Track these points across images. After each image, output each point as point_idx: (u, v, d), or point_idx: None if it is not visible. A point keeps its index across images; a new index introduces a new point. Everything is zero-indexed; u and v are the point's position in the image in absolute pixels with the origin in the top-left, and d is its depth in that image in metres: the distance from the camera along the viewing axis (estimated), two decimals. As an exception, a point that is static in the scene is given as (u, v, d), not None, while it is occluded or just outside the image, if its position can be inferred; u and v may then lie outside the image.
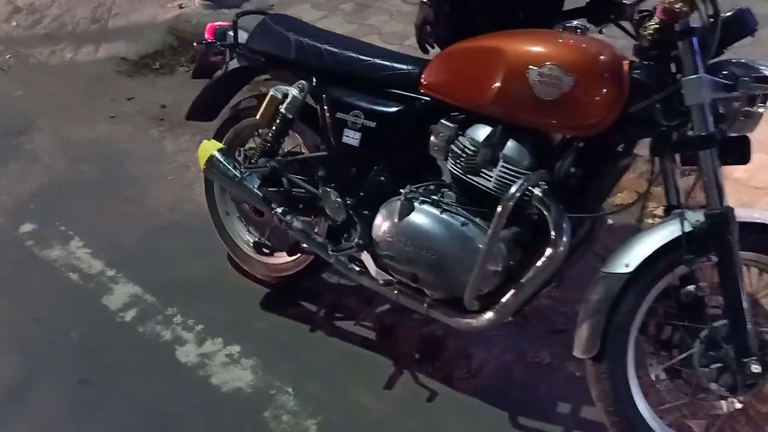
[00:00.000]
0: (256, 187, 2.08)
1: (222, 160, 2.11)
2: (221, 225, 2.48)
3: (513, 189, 1.58)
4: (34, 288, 2.43)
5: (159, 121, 3.65)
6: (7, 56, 4.52)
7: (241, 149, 2.30)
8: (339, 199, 1.97)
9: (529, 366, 2.05)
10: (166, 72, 4.18)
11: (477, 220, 1.76)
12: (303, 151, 2.19)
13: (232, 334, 2.21)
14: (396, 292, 1.89)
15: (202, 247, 2.60)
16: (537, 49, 1.57)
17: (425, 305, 1.86)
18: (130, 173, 3.16)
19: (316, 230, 2.13)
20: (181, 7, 4.61)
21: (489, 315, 1.75)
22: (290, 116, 2.05)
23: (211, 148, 2.15)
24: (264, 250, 2.38)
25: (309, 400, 1.97)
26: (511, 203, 1.58)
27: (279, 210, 2.06)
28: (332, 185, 2.01)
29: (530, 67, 1.55)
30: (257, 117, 2.11)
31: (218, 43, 2.26)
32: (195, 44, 2.31)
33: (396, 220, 1.82)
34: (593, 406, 1.70)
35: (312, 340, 2.20)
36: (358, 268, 1.95)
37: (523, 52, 1.58)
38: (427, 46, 2.14)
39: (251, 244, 2.43)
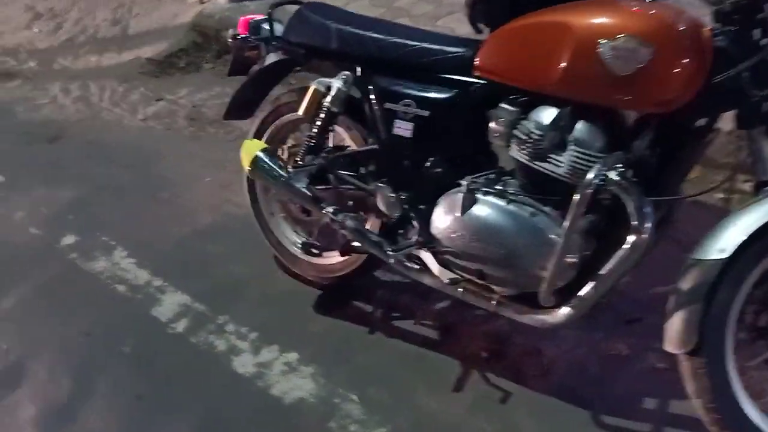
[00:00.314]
0: (304, 186, 1.99)
1: (267, 160, 2.03)
2: (266, 226, 2.40)
3: (591, 175, 1.47)
4: (82, 302, 2.38)
5: (190, 121, 3.59)
6: (32, 63, 4.49)
7: (284, 147, 2.21)
8: (393, 195, 1.87)
9: (604, 360, 1.95)
10: (192, 70, 4.11)
11: (546, 209, 1.65)
12: (348, 145, 2.10)
13: (288, 341, 2.14)
14: (461, 290, 1.79)
15: (247, 250, 2.53)
16: (608, 20, 1.45)
17: (494, 303, 1.76)
18: (165, 175, 3.10)
19: (367, 227, 2.04)
20: (202, 2, 4.53)
21: (566, 310, 1.64)
22: (335, 110, 1.95)
23: (254, 148, 2.06)
24: (313, 250, 2.29)
25: (375, 408, 1.88)
26: (590, 190, 1.47)
27: (330, 209, 1.97)
28: (384, 180, 1.91)
29: (601, 40, 1.43)
30: (300, 112, 2.02)
31: (253, 37, 2.16)
32: (230, 40, 2.21)
33: (458, 214, 1.72)
34: (681, 399, 1.60)
35: (371, 343, 2.12)
36: (417, 267, 1.86)
37: (593, 25, 1.46)
38: (480, 26, 2.02)
39: (299, 245, 2.34)
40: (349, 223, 1.95)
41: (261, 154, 2.03)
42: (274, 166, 2.02)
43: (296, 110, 2.13)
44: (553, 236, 1.60)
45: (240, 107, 2.33)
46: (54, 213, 2.89)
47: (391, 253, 1.86)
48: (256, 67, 2.21)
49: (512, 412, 1.83)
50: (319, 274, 2.30)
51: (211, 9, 4.38)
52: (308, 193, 1.99)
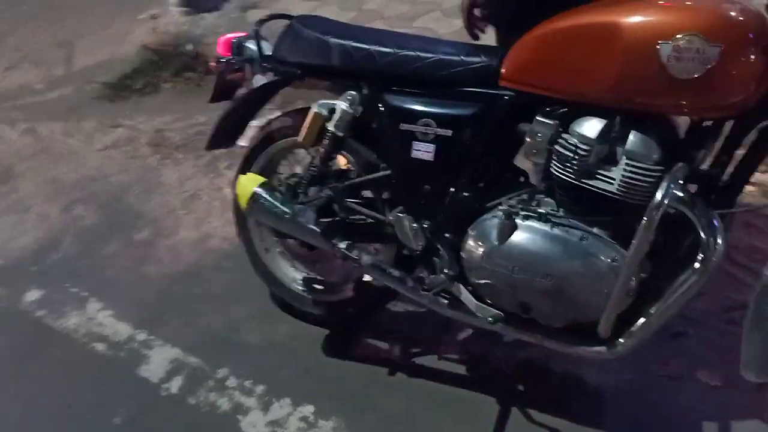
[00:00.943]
0: (312, 223, 1.79)
1: (268, 196, 1.82)
2: (261, 263, 2.20)
3: (660, 193, 1.32)
4: (58, 368, 2.13)
5: (154, 148, 3.34)
6: (-31, 97, 4.16)
7: (280, 178, 2.01)
8: (416, 225, 1.70)
9: (656, 382, 1.81)
10: (150, 91, 3.85)
11: (595, 230, 1.49)
12: (352, 170, 1.91)
13: (300, 392, 1.94)
14: (502, 326, 1.63)
15: (238, 290, 2.32)
16: (666, 19, 1.30)
17: (541, 336, 1.60)
18: (135, 211, 2.86)
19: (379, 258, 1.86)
20: (153, 17, 4.26)
21: (626, 340, 1.49)
22: (340, 134, 1.77)
23: (251, 183, 1.85)
24: (316, 286, 2.12)
25: (410, 462, 1.71)
26: (660, 210, 1.32)
27: (342, 245, 1.78)
28: (402, 208, 1.73)
29: (660, 42, 1.28)
30: (299, 139, 1.82)
31: (237, 58, 1.95)
32: (211, 64, 1.99)
33: (496, 243, 1.56)
34: (742, 419, 1.46)
35: (393, 385, 1.94)
36: (446, 301, 1.69)
37: (649, 25, 1.31)
38: (477, 32, 1.87)
39: (300, 281, 2.15)
40: (366, 259, 1.77)
41: (260, 190, 1.83)
42: (277, 203, 1.82)
43: (290, 136, 1.95)
44: (608, 261, 1.45)
45: (224, 135, 2.13)
46: (13, 264, 2.62)
47: (424, 293, 1.68)
48: (242, 91, 2.01)
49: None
50: (326, 311, 2.11)
51: (164, 24, 4.13)
52: (318, 230, 1.79)
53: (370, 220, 1.83)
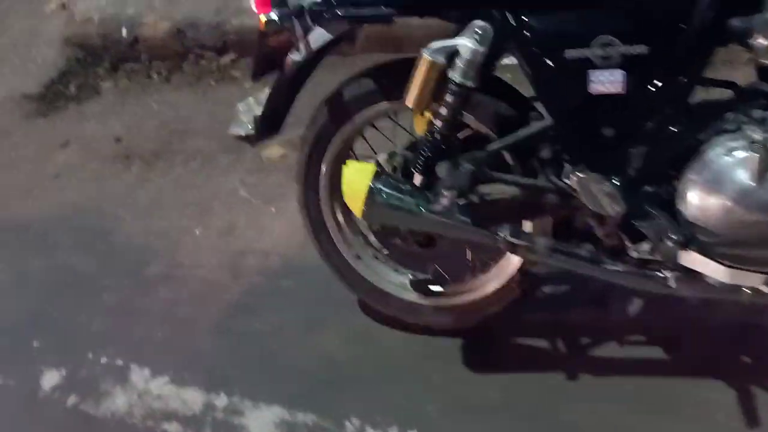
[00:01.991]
0: (461, 212, 1.40)
1: (389, 190, 1.41)
2: (353, 275, 1.79)
3: None
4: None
5: (124, 160, 2.81)
6: None
7: (378, 160, 1.59)
8: (609, 185, 1.33)
9: None
10: (90, 95, 3.28)
11: None
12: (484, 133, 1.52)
13: (461, 425, 1.57)
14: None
15: (314, 314, 1.92)
16: None
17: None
18: (135, 245, 2.35)
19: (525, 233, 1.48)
20: (64, 6, 3.64)
21: None
22: (469, 84, 1.37)
23: (361, 177, 1.43)
24: (433, 288, 1.73)
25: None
26: None
27: (505, 233, 1.40)
28: (582, 166, 1.36)
29: None
30: (408, 102, 1.41)
31: (281, 12, 1.50)
32: (260, 30, 1.53)
33: (744, 182, 1.21)
34: None
35: (574, 393, 1.60)
36: (677, 277, 1.34)
37: None
38: None
39: (410, 287, 1.76)
40: (543, 243, 1.39)
41: (379, 185, 1.41)
42: (404, 196, 1.41)
43: (374, 103, 1.54)
44: None
45: (272, 119, 1.68)
46: (10, 346, 2.09)
47: (666, 274, 1.32)
48: (294, 57, 1.56)
49: None
50: (449, 319, 1.74)
51: (82, 11, 3.51)
52: (470, 221, 1.40)
53: (520, 194, 1.45)
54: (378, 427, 1.62)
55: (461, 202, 1.42)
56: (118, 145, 2.89)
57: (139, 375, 1.88)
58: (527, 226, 1.53)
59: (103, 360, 1.94)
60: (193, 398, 1.79)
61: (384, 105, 1.55)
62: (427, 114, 1.44)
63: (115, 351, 1.96)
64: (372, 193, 1.41)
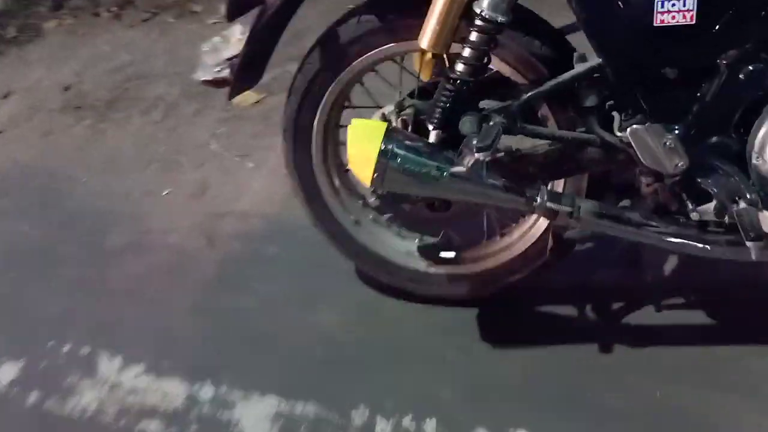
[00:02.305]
0: (492, 175, 1.18)
1: (406, 152, 1.18)
2: (353, 243, 1.57)
3: None
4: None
5: (75, 112, 2.52)
6: None
7: (384, 113, 1.35)
8: (671, 134, 1.12)
9: None
10: (32, 37, 2.95)
11: None
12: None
13: (485, 413, 1.39)
14: None
15: (310, 284, 1.72)
16: None
17: None
18: (96, 210, 2.09)
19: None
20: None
21: None
22: (500, 18, 1.13)
23: (370, 137, 1.19)
24: (445, 254, 1.53)
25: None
26: None
27: (544, 197, 1.18)
28: (640, 117, 1.14)
29: None
30: (423, 44, 1.18)
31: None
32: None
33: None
34: None
35: (606, 365, 1.43)
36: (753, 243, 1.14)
37: None
38: None
39: (418, 254, 1.55)
40: (588, 207, 1.18)
41: (393, 146, 1.18)
42: (428, 159, 1.18)
43: (378, 46, 1.30)
44: None
45: (252, 65, 1.43)
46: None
47: (735, 238, 1.12)
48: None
49: None
50: (473, 287, 1.54)
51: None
52: (501, 185, 1.19)
53: (557, 150, 1.24)
54: (389, 416, 1.43)
55: (487, 160, 1.20)
56: (66, 94, 2.60)
57: (109, 365, 1.65)
58: (558, 185, 1.32)
59: (66, 348, 1.71)
60: (173, 390, 1.57)
61: (391, 47, 1.30)
62: (444, 56, 1.20)
63: (80, 337, 1.72)
64: (384, 156, 1.17)
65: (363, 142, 1.19)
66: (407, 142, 1.19)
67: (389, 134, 1.18)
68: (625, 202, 1.32)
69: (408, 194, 1.30)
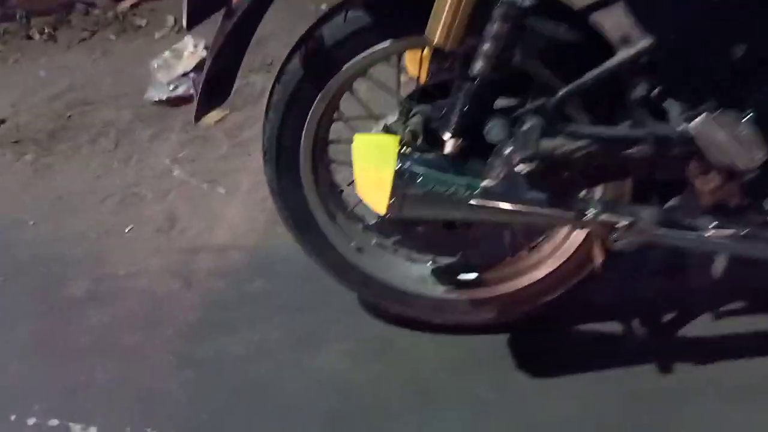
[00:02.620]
0: (532, 188, 1.01)
1: (428, 170, 1.00)
2: (355, 273, 1.39)
3: None
4: None
5: (13, 147, 2.27)
6: None
7: (387, 125, 1.17)
8: (745, 123, 0.97)
9: None
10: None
11: None
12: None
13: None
14: None
15: (307, 322, 1.53)
16: None
17: None
18: (48, 256, 1.85)
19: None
20: None
21: None
22: (526, 2, 0.96)
23: (381, 156, 1.01)
24: (465, 277, 1.35)
25: None
26: None
27: (596, 209, 1.02)
28: (713, 103, 0.98)
29: None
30: (434, 37, 1.00)
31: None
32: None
33: None
34: None
35: (664, 388, 1.27)
36: None
37: None
38: None
39: (433, 278, 1.37)
40: (650, 216, 1.02)
41: (412, 165, 0.99)
42: (455, 176, 1.00)
43: (370, 45, 1.12)
44: None
45: (218, 81, 1.24)
46: None
47: None
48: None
49: None
50: (500, 311, 1.37)
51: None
52: (553, 198, 1.01)
53: (601, 151, 1.07)
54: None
55: (522, 171, 1.03)
56: (1, 128, 2.34)
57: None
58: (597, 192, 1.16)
59: (31, 422, 1.47)
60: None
61: (387, 46, 1.12)
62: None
63: (45, 406, 1.49)
64: (401, 177, 0.98)
65: (372, 163, 1.01)
66: (426, 158, 1.00)
67: (403, 150, 0.99)
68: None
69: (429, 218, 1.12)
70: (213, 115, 2.13)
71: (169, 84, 2.18)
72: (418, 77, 1.26)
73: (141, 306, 1.66)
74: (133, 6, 2.60)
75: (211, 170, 1.99)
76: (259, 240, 1.74)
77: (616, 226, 1.02)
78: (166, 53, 2.25)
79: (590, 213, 1.02)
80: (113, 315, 1.65)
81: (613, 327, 1.38)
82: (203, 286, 1.67)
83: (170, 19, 2.52)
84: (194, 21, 1.16)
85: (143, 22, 2.59)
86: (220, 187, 1.93)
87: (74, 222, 1.94)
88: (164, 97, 2.18)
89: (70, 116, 2.31)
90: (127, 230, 1.87)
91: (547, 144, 1.00)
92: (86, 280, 1.75)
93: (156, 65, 2.25)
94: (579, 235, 1.22)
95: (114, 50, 2.54)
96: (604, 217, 1.01)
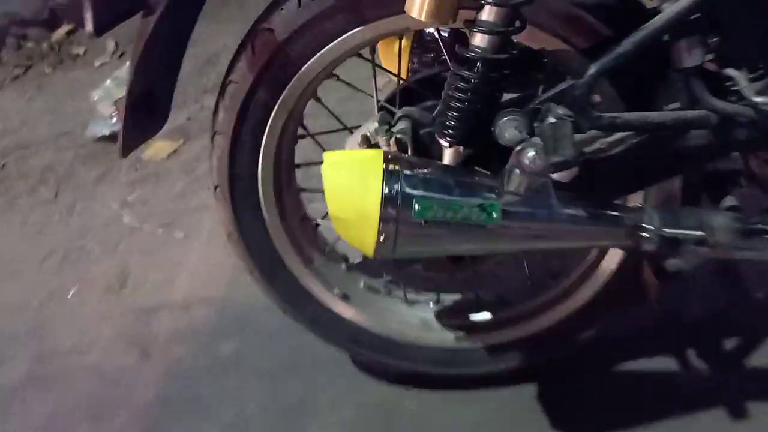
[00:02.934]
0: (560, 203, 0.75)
1: (431, 193, 0.74)
2: (339, 323, 1.13)
3: None
4: None
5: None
6: None
7: (376, 132, 0.91)
8: None
9: None
10: None
11: None
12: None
13: None
14: None
15: (293, 389, 1.27)
16: None
17: None
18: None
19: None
20: None
21: None
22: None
23: (360, 177, 0.75)
24: (475, 316, 1.10)
25: None
26: None
27: (656, 223, 0.76)
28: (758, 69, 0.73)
29: None
30: (419, 13, 0.74)
31: None
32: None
33: None
34: None
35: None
36: None
37: None
38: None
39: (436, 322, 1.11)
40: (726, 224, 0.77)
41: (406, 186, 0.73)
42: (462, 196, 0.74)
43: (329, 40, 0.86)
44: None
45: (145, 108, 0.98)
46: None
47: None
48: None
49: None
50: (525, 356, 1.10)
51: None
52: (596, 213, 0.75)
53: (637, 144, 0.82)
54: None
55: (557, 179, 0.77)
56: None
57: None
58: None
59: None
60: None
61: (356, 33, 0.86)
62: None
63: None
64: (392, 205, 0.72)
65: (351, 188, 0.74)
66: (421, 175, 0.74)
67: (390, 168, 0.73)
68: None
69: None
70: (165, 148, 1.87)
71: (112, 117, 1.92)
72: (398, 74, 1.01)
73: (90, 388, 1.39)
74: (69, 33, 2.34)
75: (166, 212, 1.73)
76: (226, 291, 1.48)
77: (683, 244, 0.76)
78: (108, 82, 1.99)
79: (647, 230, 0.76)
80: (56, 402, 1.37)
81: (665, 364, 1.12)
82: (163, 355, 1.40)
83: (111, 45, 2.27)
84: (104, 25, 0.89)
85: (81, 50, 2.33)
86: (177, 231, 1.66)
87: (11, 289, 1.66)
88: (107, 133, 1.92)
89: (4, 165, 2.04)
90: (71, 293, 1.60)
91: (582, 140, 0.74)
92: (24, 360, 1.48)
93: (96, 97, 1.99)
94: (615, 254, 0.96)
95: (50, 85, 2.28)
96: (666, 231, 0.75)
